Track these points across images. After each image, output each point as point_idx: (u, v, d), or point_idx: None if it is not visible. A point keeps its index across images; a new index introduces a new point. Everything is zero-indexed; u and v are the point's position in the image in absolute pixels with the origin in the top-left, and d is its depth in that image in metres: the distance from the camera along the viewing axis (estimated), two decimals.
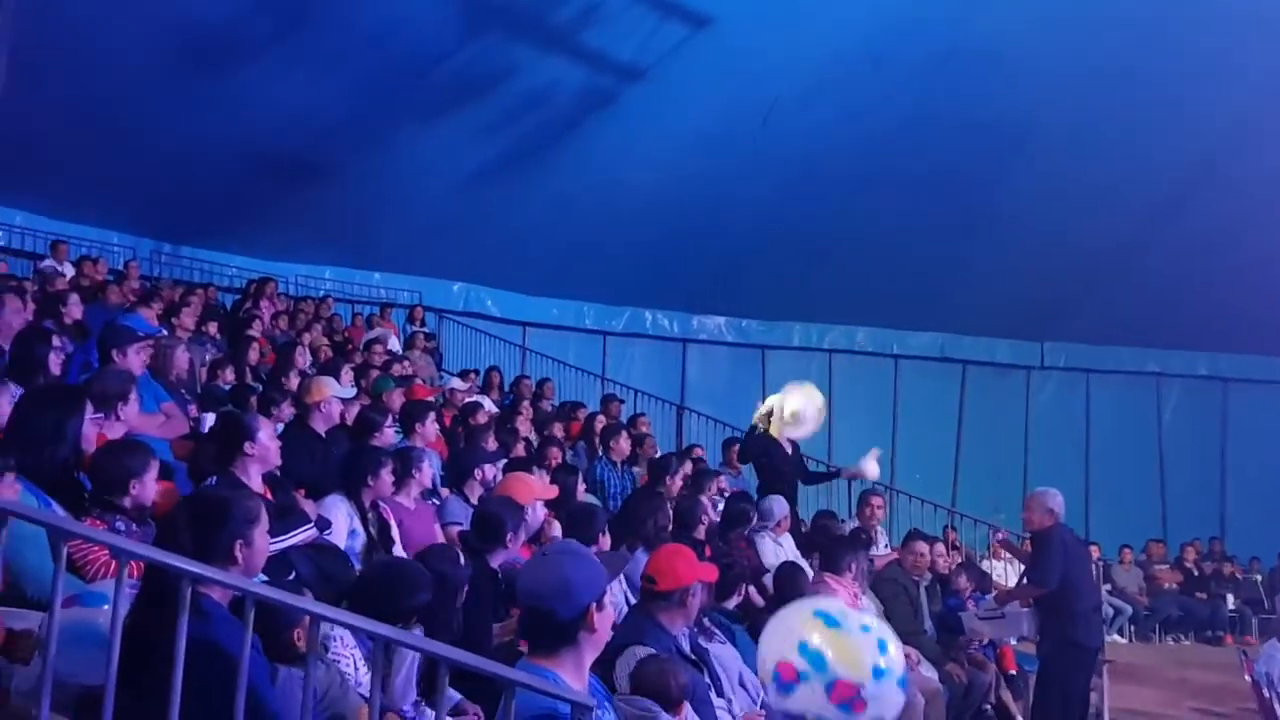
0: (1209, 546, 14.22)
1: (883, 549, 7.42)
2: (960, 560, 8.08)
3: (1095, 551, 9.38)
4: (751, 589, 5.54)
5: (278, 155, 11.23)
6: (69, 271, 9.80)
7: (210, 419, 5.27)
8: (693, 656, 3.95)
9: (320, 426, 5.44)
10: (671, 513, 5.50)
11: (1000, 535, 8.42)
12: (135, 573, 2.43)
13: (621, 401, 10.32)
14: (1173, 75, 11.40)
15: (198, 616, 2.15)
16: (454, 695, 3.34)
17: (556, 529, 5.07)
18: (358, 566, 4.06)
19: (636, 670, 3.37)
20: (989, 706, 6.31)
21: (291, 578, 3.55)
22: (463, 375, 10.70)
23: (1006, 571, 9.28)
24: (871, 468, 7.89)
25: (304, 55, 10.31)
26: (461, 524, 4.90)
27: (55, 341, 4.67)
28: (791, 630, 2.47)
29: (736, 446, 8.49)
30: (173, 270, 12.81)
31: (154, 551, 2.26)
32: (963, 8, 10.84)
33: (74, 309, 6.68)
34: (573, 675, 2.31)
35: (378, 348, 9.80)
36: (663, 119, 11.71)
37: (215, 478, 3.97)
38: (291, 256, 13.43)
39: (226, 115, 10.68)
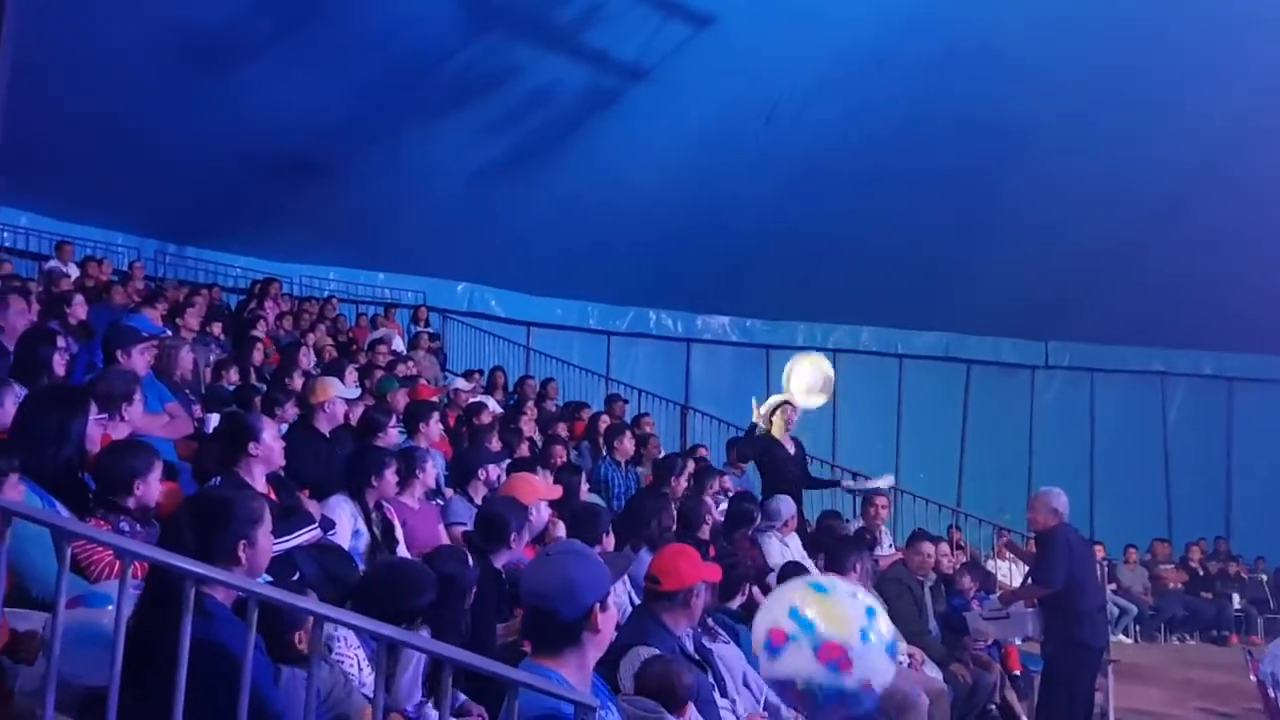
0: (1214, 546, 14.18)
1: (887, 549, 7.41)
2: (965, 560, 8.07)
3: (1100, 551, 9.38)
4: (755, 589, 5.53)
5: (282, 156, 11.25)
6: (74, 272, 9.82)
7: (214, 419, 5.27)
8: (697, 657, 3.95)
9: (324, 427, 5.44)
10: (676, 513, 5.50)
11: (1005, 539, 8.41)
12: (139, 573, 2.43)
13: (626, 401, 10.32)
14: (1176, 74, 11.38)
15: (201, 617, 2.15)
16: (458, 695, 3.34)
17: (560, 529, 5.07)
18: (361, 567, 4.06)
19: (641, 670, 3.37)
20: (994, 707, 6.30)
21: (296, 578, 3.55)
22: (467, 375, 10.70)
23: (1011, 571, 9.27)
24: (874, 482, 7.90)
25: (307, 56, 10.32)
26: (465, 524, 4.90)
27: (60, 342, 4.68)
28: (783, 599, 2.54)
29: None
30: (177, 271, 12.84)
31: (157, 552, 2.26)
32: (965, 7, 10.83)
33: (79, 310, 6.69)
34: (576, 675, 2.30)
35: (382, 348, 9.81)
36: (666, 119, 11.71)
37: (219, 478, 3.97)
38: (296, 257, 13.45)
39: (231, 116, 10.70)
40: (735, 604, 5.07)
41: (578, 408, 9.66)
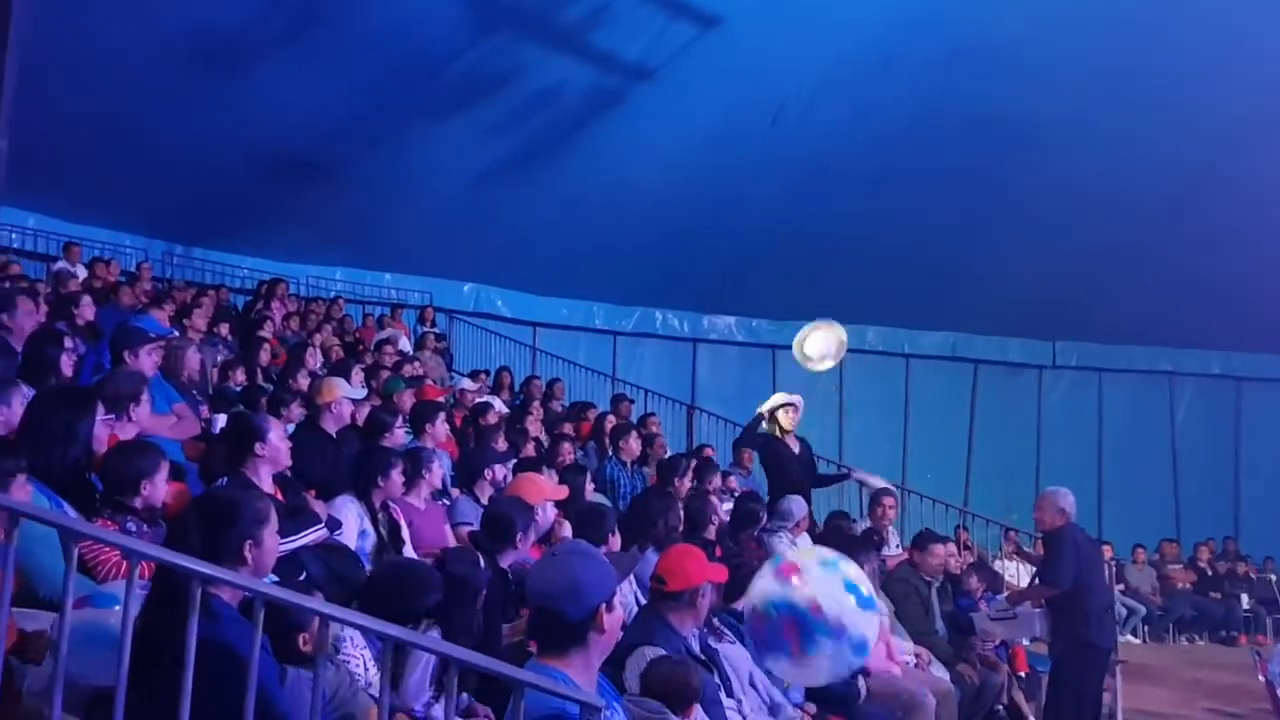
0: (1223, 546, 14.15)
1: (894, 549, 7.39)
2: (972, 560, 8.05)
3: (1108, 551, 9.35)
4: None
5: (289, 156, 11.28)
6: (81, 273, 9.85)
7: (221, 420, 5.28)
8: (703, 657, 3.95)
9: (331, 427, 5.44)
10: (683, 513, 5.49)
11: (1012, 547, 8.39)
12: (146, 573, 2.43)
13: (631, 401, 10.31)
14: (1183, 73, 11.33)
15: (207, 617, 2.16)
16: (465, 695, 3.34)
17: (566, 529, 5.06)
18: (368, 567, 4.06)
19: (647, 670, 3.37)
20: (1001, 707, 6.28)
21: (302, 578, 3.55)
22: (473, 376, 10.71)
23: (1019, 571, 9.25)
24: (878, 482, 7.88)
25: (313, 57, 10.34)
26: (472, 524, 4.91)
27: (67, 343, 4.70)
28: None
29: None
30: (184, 272, 12.88)
31: (164, 552, 2.26)
32: (971, 7, 10.79)
33: (86, 310, 6.70)
34: (582, 676, 2.31)
35: (388, 348, 9.83)
36: (671, 119, 11.70)
37: (226, 478, 3.98)
38: (302, 258, 13.49)
39: (237, 117, 10.73)
40: (741, 604, 5.06)
41: (583, 408, 9.65)
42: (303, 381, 6.48)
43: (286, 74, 10.42)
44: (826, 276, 13.62)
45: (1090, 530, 6.88)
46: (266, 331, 8.52)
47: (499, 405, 8.59)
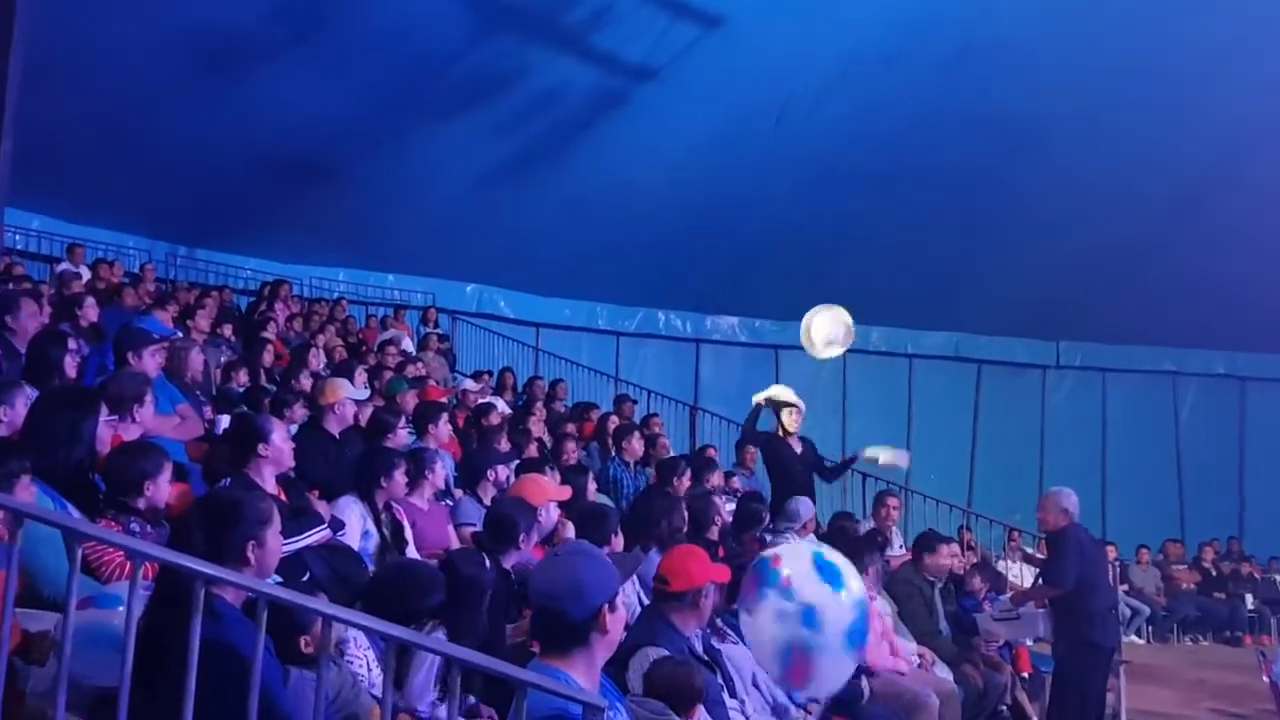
0: (1227, 546, 14.12)
1: (898, 550, 7.39)
2: (975, 561, 8.04)
3: (1112, 551, 9.32)
4: None
5: (291, 158, 11.29)
6: (85, 274, 9.87)
7: (225, 421, 5.29)
8: (706, 658, 3.95)
9: (334, 428, 5.45)
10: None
11: (1016, 549, 8.40)
12: (149, 574, 2.44)
13: (634, 402, 10.32)
14: (1188, 73, 11.32)
15: (211, 618, 2.16)
16: (468, 696, 3.34)
17: (569, 530, 5.07)
18: (371, 568, 4.07)
19: (650, 671, 3.36)
20: (1005, 708, 6.27)
21: (306, 579, 3.56)
22: (476, 376, 10.71)
23: (1022, 572, 9.24)
24: (899, 459, 7.86)
25: (316, 59, 10.35)
26: (474, 525, 4.90)
27: (71, 344, 4.70)
28: None
29: (749, 446, 8.48)
30: (188, 273, 12.89)
31: (167, 553, 2.27)
32: (975, 7, 10.78)
33: (90, 311, 6.72)
34: (584, 676, 2.31)
35: (391, 349, 9.84)
36: (675, 119, 11.70)
37: (229, 479, 3.98)
38: (305, 259, 13.49)
39: (240, 118, 10.74)
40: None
41: (586, 408, 9.65)
42: (306, 382, 6.49)
43: (290, 75, 10.43)
44: (830, 277, 13.56)
45: (1094, 530, 6.86)
46: (270, 332, 8.54)
47: (502, 406, 8.60)
